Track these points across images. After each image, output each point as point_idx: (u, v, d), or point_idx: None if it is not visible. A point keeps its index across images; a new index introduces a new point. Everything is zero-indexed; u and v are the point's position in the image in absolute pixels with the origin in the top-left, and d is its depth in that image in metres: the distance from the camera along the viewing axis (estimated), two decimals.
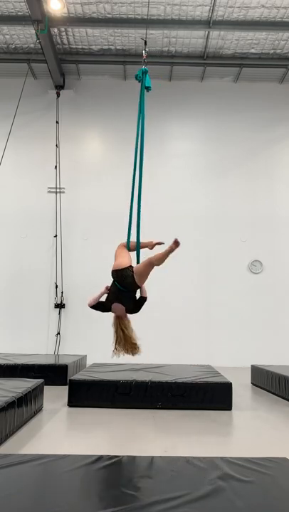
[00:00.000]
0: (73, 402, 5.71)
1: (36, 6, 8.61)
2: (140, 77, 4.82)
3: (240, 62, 10.72)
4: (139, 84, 4.91)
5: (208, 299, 10.49)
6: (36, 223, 10.77)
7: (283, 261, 10.70)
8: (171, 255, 4.17)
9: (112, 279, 4.34)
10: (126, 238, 4.72)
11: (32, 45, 10.03)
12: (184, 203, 10.71)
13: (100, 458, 2.98)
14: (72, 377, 5.93)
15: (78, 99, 11.26)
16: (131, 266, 4.33)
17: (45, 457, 3.01)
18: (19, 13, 9.37)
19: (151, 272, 4.28)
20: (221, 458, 3.05)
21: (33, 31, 9.33)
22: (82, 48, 10.57)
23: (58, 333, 10.35)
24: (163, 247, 4.39)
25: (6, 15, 9.42)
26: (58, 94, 11.09)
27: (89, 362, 8.71)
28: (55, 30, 9.86)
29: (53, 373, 7.08)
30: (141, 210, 4.62)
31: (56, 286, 10.54)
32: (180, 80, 11.23)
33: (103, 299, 4.38)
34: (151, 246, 4.71)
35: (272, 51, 10.48)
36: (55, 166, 10.80)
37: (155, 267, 4.23)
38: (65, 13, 9.32)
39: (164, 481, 2.63)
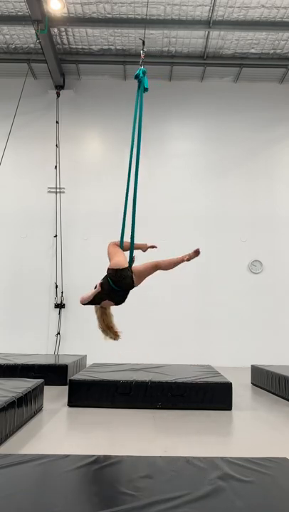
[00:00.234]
0: (73, 402, 5.71)
1: (36, 6, 8.61)
2: (141, 76, 4.81)
3: (240, 62, 10.72)
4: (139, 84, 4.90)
5: (208, 299, 10.49)
6: (36, 223, 10.77)
7: (283, 261, 10.70)
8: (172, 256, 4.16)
9: (105, 278, 4.24)
10: (121, 238, 4.66)
11: (32, 45, 10.03)
12: (184, 203, 10.71)
13: (99, 458, 2.98)
14: (72, 377, 5.93)
15: (78, 99, 11.26)
16: (130, 267, 4.28)
17: (45, 457, 3.01)
18: (19, 13, 9.37)
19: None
20: (221, 458, 3.05)
21: (33, 31, 9.33)
22: (82, 48, 10.57)
23: (58, 333, 10.35)
24: (156, 250, 4.33)
25: (6, 15, 9.42)
26: (58, 94, 11.09)
27: (89, 362, 8.72)
28: (55, 30, 9.86)
29: (53, 373, 7.08)
30: (136, 210, 4.58)
31: (56, 286, 10.54)
32: (180, 80, 11.23)
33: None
34: (145, 248, 4.69)
35: (272, 51, 10.48)
36: (55, 166, 10.80)
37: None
38: (65, 13, 9.32)
39: (164, 481, 2.63)
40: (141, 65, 4.88)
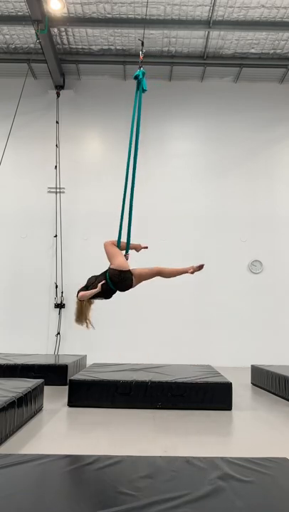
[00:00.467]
0: (73, 402, 5.71)
1: (36, 6, 8.61)
2: (140, 78, 4.82)
3: (240, 62, 10.72)
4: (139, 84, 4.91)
5: (208, 299, 10.48)
6: (36, 223, 10.77)
7: (283, 261, 10.70)
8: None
9: (104, 276, 4.40)
10: (123, 238, 4.76)
11: (32, 45, 10.03)
12: (184, 203, 10.71)
13: (99, 458, 2.98)
14: (72, 377, 5.93)
15: (78, 99, 11.26)
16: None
17: (45, 457, 3.00)
18: (19, 13, 9.37)
19: None
20: (221, 458, 3.04)
21: (33, 31, 9.33)
22: (82, 48, 10.57)
23: (58, 333, 10.35)
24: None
25: (6, 15, 9.42)
26: (58, 94, 11.09)
27: (89, 362, 8.71)
28: (55, 30, 9.86)
29: (53, 373, 7.08)
30: (132, 210, 4.70)
31: (56, 286, 10.54)
32: (180, 80, 11.23)
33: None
34: (139, 248, 4.87)
35: (272, 51, 10.48)
36: (55, 166, 10.80)
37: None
38: (65, 13, 9.32)
39: (164, 481, 2.63)
40: (140, 67, 4.89)
